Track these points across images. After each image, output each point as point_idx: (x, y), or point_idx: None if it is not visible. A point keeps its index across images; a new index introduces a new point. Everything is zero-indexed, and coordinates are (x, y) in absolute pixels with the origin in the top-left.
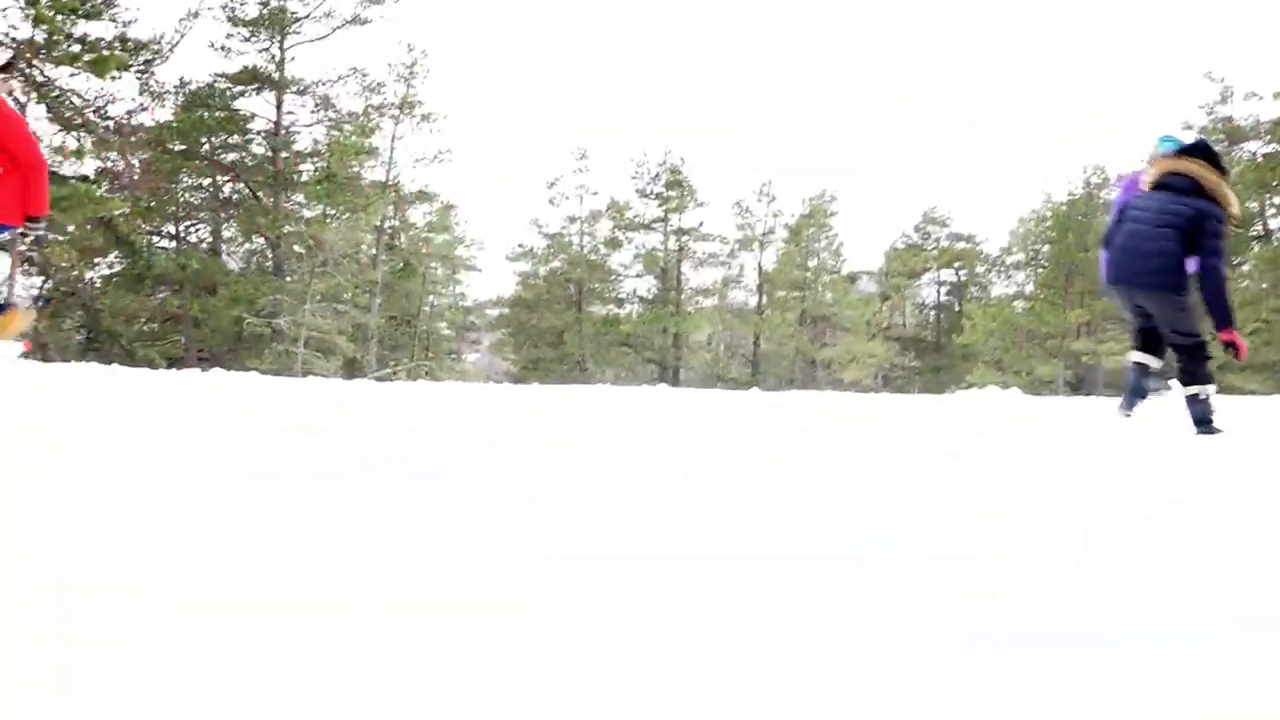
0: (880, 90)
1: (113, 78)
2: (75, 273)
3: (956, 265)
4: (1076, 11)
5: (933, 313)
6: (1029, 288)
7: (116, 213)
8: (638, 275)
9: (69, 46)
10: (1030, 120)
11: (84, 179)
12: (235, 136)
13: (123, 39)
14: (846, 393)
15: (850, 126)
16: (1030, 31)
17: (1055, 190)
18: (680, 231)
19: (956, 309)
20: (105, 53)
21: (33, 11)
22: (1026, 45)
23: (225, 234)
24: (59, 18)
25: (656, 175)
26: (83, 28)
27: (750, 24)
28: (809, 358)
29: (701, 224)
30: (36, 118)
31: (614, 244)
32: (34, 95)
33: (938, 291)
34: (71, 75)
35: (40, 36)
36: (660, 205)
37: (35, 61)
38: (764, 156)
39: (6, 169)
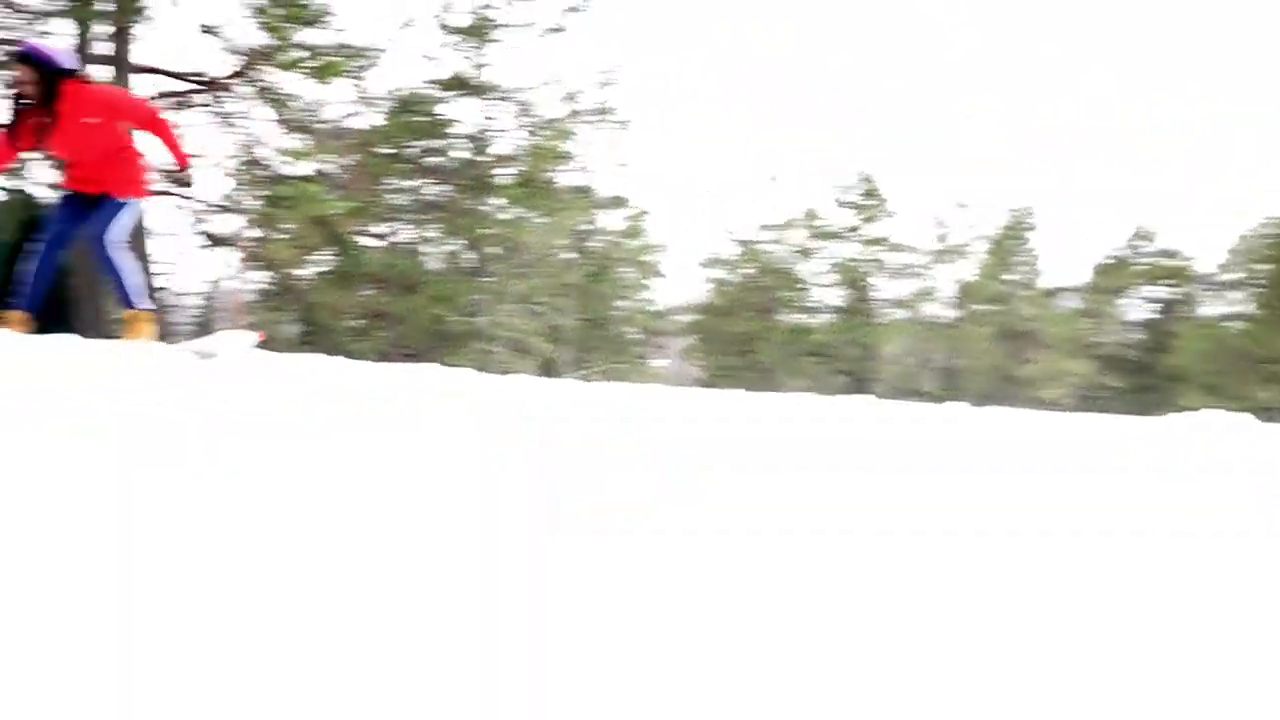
0: (1083, 98)
1: (332, 83)
2: (292, 269)
3: (1168, 282)
4: None
5: (1140, 331)
6: (1246, 308)
7: (333, 212)
8: (829, 285)
9: (294, 53)
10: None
11: (306, 179)
12: (439, 141)
13: (343, 46)
14: (1040, 412)
15: (1054, 136)
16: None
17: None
18: (874, 241)
19: (1166, 328)
20: (327, 59)
21: (263, 20)
22: (1242, 51)
23: (427, 235)
24: (287, 26)
25: (852, 184)
26: (306, 35)
27: (955, 31)
28: (1006, 374)
29: (892, 235)
30: (261, 121)
31: (806, 252)
32: (261, 100)
33: (1147, 310)
34: (295, 81)
35: (268, 44)
36: (855, 214)
37: (262, 68)
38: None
39: (126, 146)
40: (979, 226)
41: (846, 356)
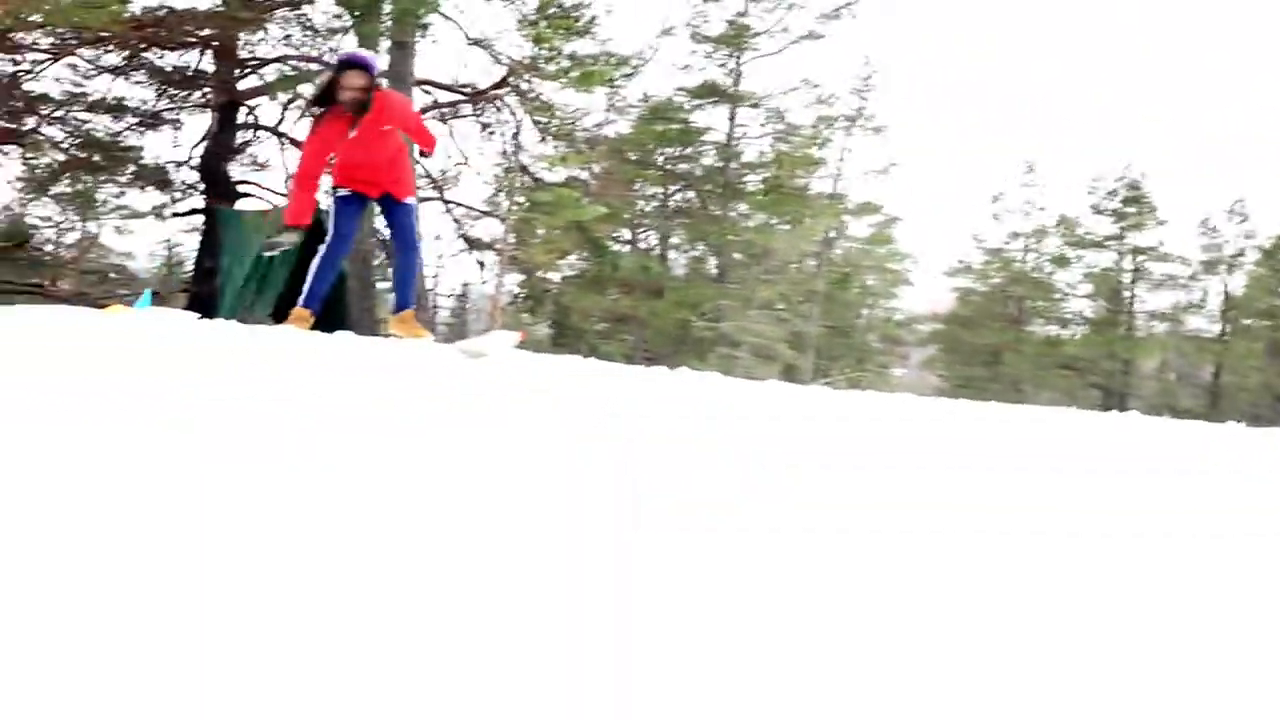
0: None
1: (593, 91)
2: (546, 272)
3: None
4: None
5: None
6: None
7: (588, 217)
8: (1085, 295)
9: (560, 63)
10: None
11: (563, 185)
12: (688, 148)
13: (607, 55)
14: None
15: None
16: None
17: None
18: (1136, 250)
19: None
20: (590, 68)
21: (533, 32)
22: None
23: (673, 240)
24: (556, 36)
25: (1114, 190)
26: (572, 46)
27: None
28: (1273, 392)
29: (1161, 243)
30: (523, 129)
31: (1061, 261)
32: (525, 108)
33: None
34: (556, 90)
35: (536, 54)
36: (1115, 222)
37: (528, 77)
38: (1236, 172)
39: (403, 149)
40: (1249, 236)
41: (1101, 370)
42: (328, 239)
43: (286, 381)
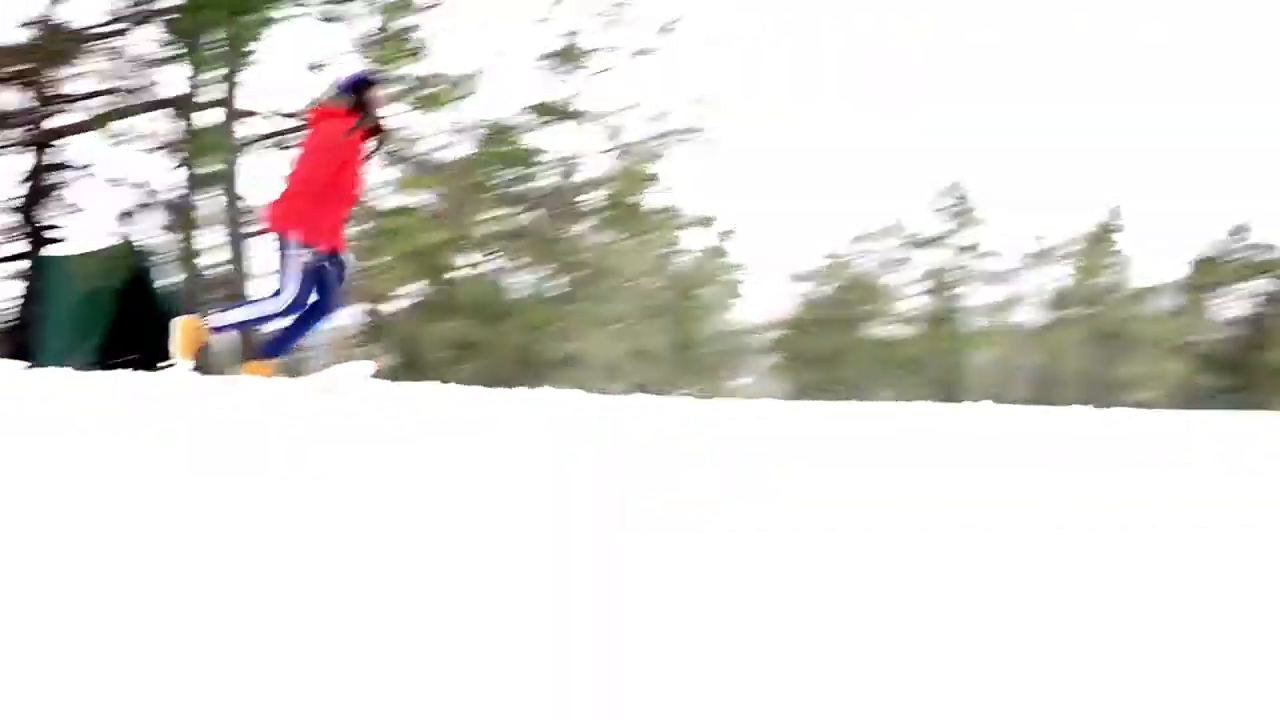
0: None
1: (435, 114)
2: (388, 302)
3: (1267, 276)
4: None
5: (1239, 328)
6: None
7: (433, 243)
8: (920, 294)
9: (403, 85)
10: None
11: (404, 211)
12: (528, 168)
13: (445, 76)
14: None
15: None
16: None
17: None
18: (964, 248)
19: (1266, 324)
20: (433, 90)
21: (375, 54)
22: None
23: (515, 263)
24: (395, 59)
25: (944, 190)
26: (412, 67)
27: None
28: (1099, 378)
29: (983, 242)
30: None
31: (895, 263)
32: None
33: (1245, 305)
34: (396, 114)
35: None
36: (945, 221)
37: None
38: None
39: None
40: (1070, 229)
41: (937, 367)
42: (281, 296)
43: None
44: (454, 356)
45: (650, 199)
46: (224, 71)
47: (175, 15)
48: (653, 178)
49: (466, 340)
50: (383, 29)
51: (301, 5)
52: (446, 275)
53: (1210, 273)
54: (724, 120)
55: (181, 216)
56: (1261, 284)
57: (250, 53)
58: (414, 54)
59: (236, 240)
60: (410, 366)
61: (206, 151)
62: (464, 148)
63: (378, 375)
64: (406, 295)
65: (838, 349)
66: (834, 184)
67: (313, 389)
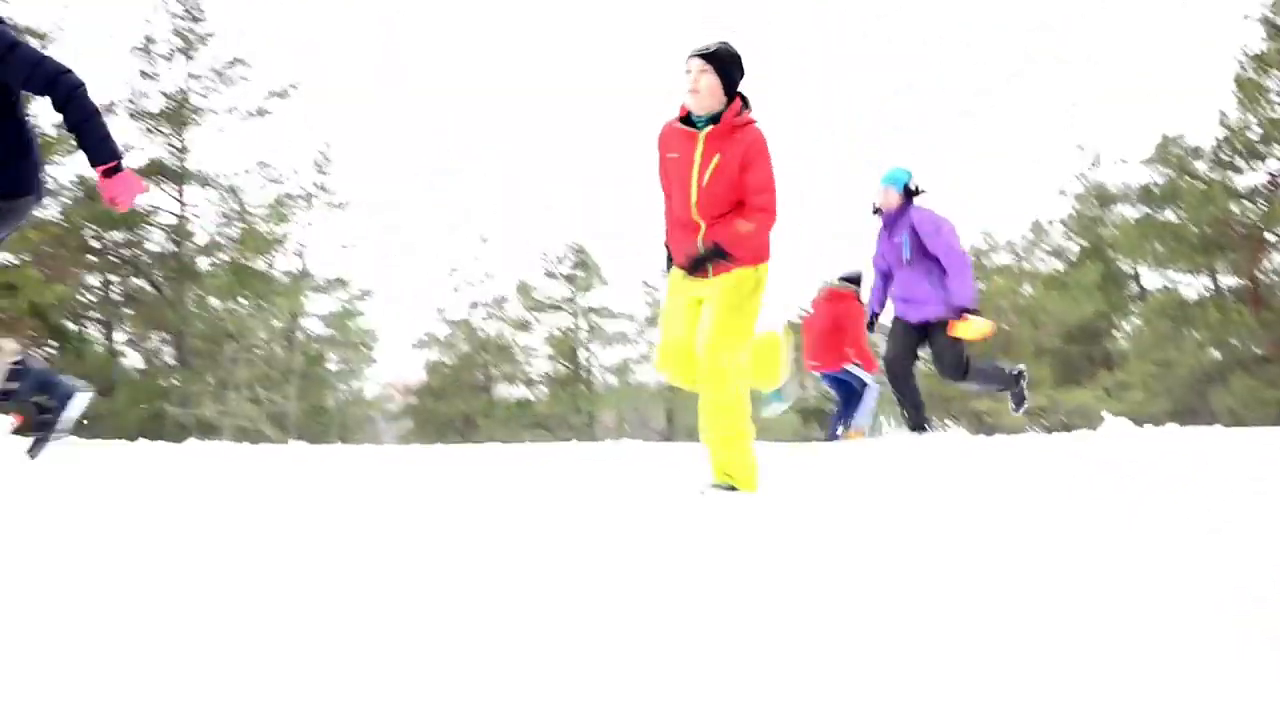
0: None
1: None
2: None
3: None
4: None
5: None
6: None
7: (53, 300)
8: (548, 356)
9: None
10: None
11: (24, 265)
12: (133, 230)
13: (57, 127)
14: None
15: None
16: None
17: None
18: (589, 310)
19: None
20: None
21: None
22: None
23: (122, 333)
24: None
25: (562, 257)
26: None
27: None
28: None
29: (606, 305)
30: None
31: (523, 326)
32: None
33: None
34: None
35: None
36: (568, 284)
37: None
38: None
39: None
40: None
41: (571, 425)
42: None
43: None
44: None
45: (278, 260)
46: None
47: None
48: (279, 240)
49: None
50: None
51: None
52: (71, 336)
53: None
54: (357, 180)
55: None
56: None
57: None
58: None
59: None
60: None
61: None
62: (55, 208)
63: (18, 430)
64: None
65: (469, 412)
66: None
67: None
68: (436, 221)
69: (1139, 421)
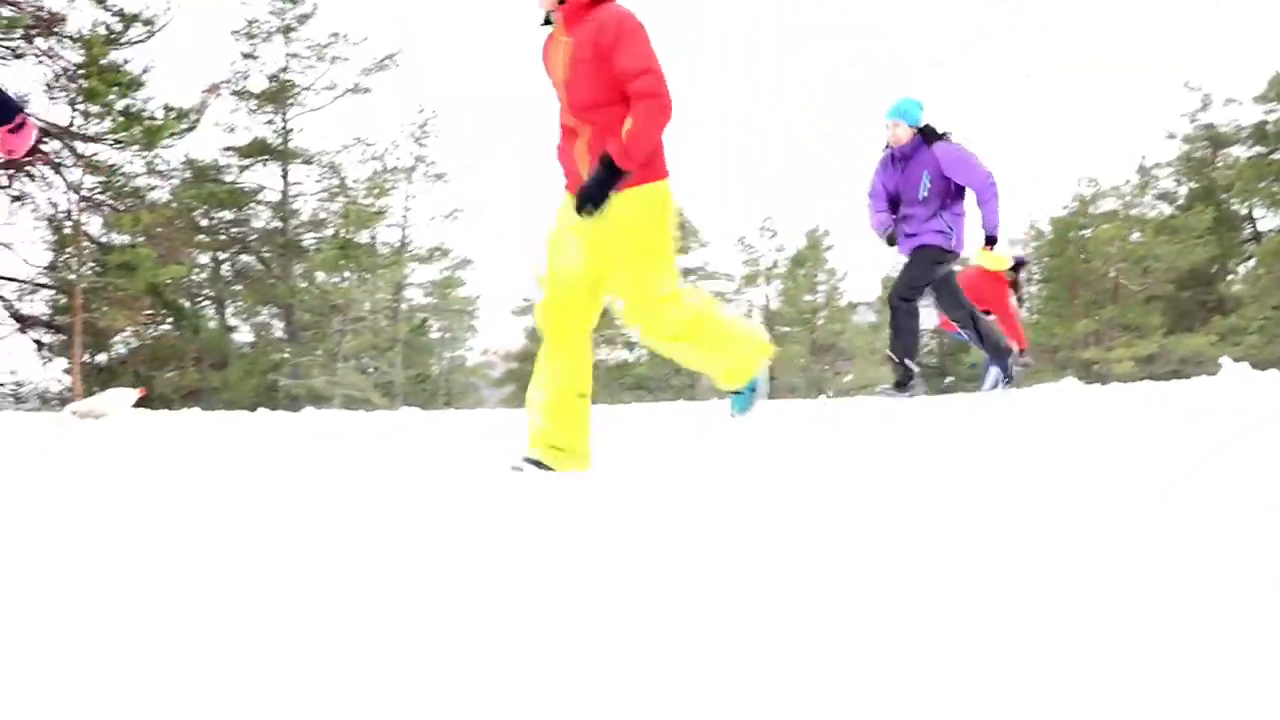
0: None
1: (157, 149)
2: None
3: None
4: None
5: (932, 338)
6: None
7: (169, 279)
8: None
9: (115, 119)
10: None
11: (134, 247)
12: (241, 209)
13: (167, 108)
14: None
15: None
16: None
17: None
18: (686, 271)
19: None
20: (155, 124)
21: (82, 87)
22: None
23: (233, 308)
24: (111, 92)
25: None
26: (125, 101)
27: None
28: (821, 387)
29: (707, 263)
30: (92, 189)
31: None
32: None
33: None
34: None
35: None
36: None
37: (70, 141)
38: (760, 190)
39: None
40: (780, 250)
41: (672, 386)
42: None
43: None
44: (184, 401)
45: (381, 233)
46: None
47: None
48: (380, 213)
49: (193, 388)
50: (92, 60)
51: None
52: (185, 312)
53: None
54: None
55: None
56: None
57: None
58: (127, 88)
59: None
60: (149, 408)
61: None
62: (165, 190)
63: (140, 403)
64: (135, 338)
65: None
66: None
67: (76, 413)
68: (534, 187)
69: (1260, 366)
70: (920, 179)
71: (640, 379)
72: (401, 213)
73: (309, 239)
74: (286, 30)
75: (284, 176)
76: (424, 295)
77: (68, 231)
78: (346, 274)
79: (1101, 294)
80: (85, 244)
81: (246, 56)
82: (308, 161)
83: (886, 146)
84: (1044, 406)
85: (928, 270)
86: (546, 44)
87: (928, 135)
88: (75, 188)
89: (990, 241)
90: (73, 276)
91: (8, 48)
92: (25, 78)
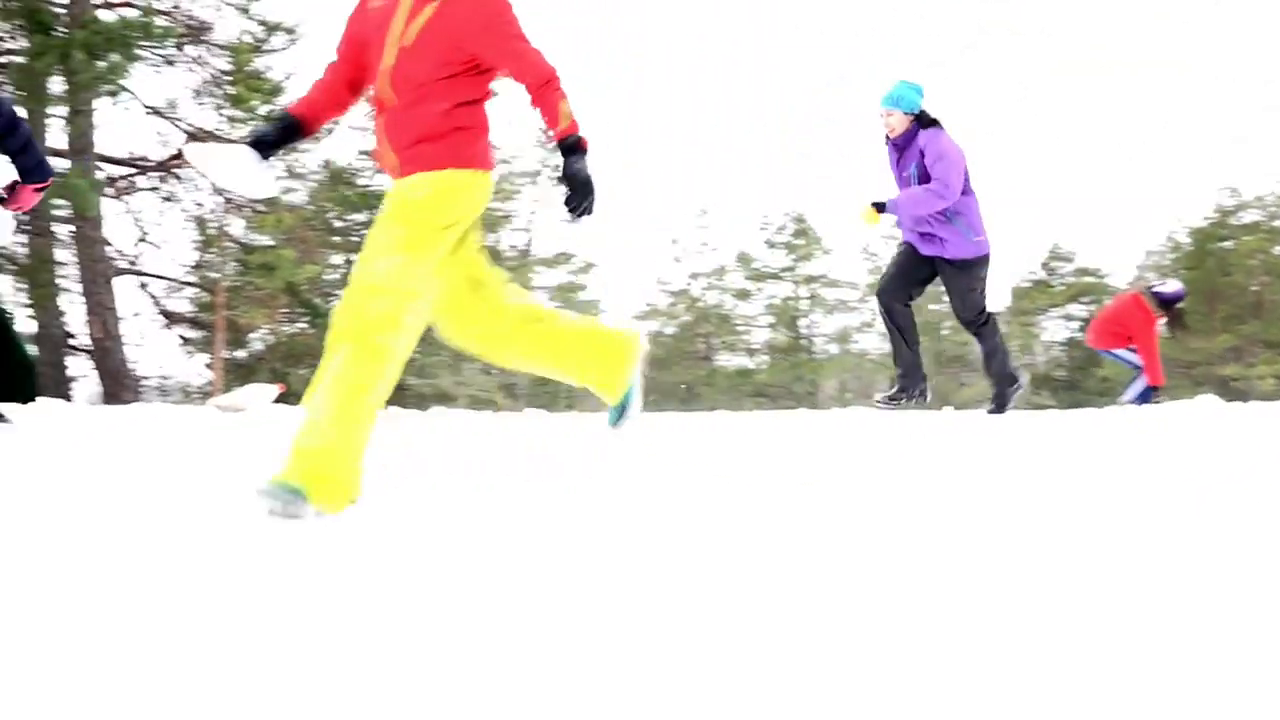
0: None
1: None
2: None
3: (1085, 299)
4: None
5: (1063, 350)
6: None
7: (306, 278)
8: (769, 325)
9: (255, 125)
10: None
11: (275, 248)
12: (372, 212)
13: None
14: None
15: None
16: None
17: (1188, 216)
18: (809, 279)
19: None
20: None
21: (229, 92)
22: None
23: None
24: (254, 97)
25: (782, 226)
26: (268, 107)
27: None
28: (945, 397)
29: (828, 272)
30: (229, 195)
31: (743, 295)
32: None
33: (1070, 328)
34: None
35: (230, 118)
36: (787, 254)
37: (214, 140)
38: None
39: None
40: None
41: (793, 393)
42: None
43: None
44: None
45: (506, 236)
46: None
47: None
48: (505, 218)
49: None
50: (238, 65)
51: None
52: (320, 310)
53: (1034, 298)
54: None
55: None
56: (1083, 307)
57: (113, 92)
58: (270, 94)
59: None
60: (285, 403)
61: (63, 197)
62: (303, 193)
63: (280, 399)
64: (270, 336)
65: (690, 381)
66: (679, 219)
67: (219, 407)
68: (657, 194)
69: None
70: (911, 175)
71: (762, 386)
72: (527, 217)
73: None
74: None
75: None
76: (548, 299)
77: (212, 232)
78: None
79: (1243, 308)
80: (228, 244)
81: None
82: None
83: (887, 138)
84: (1180, 422)
85: (977, 282)
86: None
87: (922, 122)
88: (220, 190)
89: (879, 208)
90: (216, 275)
91: (161, 55)
92: (176, 84)
